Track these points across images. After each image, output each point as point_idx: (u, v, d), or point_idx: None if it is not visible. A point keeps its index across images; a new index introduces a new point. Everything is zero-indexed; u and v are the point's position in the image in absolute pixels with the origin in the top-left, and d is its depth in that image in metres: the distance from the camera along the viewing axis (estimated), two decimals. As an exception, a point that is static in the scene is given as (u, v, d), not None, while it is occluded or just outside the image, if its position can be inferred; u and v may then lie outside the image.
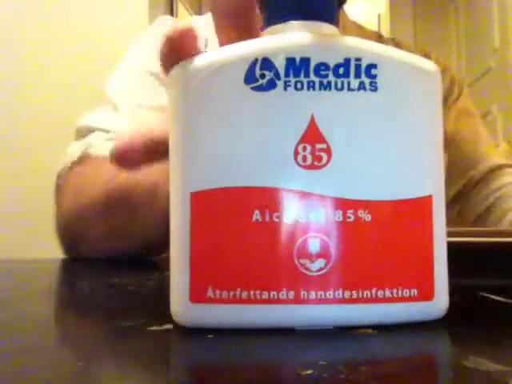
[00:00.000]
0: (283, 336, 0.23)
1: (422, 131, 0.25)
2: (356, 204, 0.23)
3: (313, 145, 0.23)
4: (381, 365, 0.19)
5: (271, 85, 0.24)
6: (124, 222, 0.56)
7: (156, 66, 0.65)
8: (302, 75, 0.24)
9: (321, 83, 0.24)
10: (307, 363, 0.19)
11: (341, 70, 0.24)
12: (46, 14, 1.73)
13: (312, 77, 0.24)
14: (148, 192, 0.51)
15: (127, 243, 0.57)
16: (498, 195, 0.64)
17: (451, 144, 0.68)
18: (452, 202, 0.68)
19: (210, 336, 0.23)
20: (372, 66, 0.24)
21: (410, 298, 0.23)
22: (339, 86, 0.24)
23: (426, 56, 0.73)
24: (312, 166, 0.23)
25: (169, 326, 0.25)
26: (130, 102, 0.66)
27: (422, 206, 0.24)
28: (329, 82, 0.24)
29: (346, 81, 0.24)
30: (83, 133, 0.67)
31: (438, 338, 0.23)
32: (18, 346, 0.22)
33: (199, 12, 3.11)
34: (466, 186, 0.67)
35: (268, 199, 0.23)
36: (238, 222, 0.24)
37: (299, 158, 0.23)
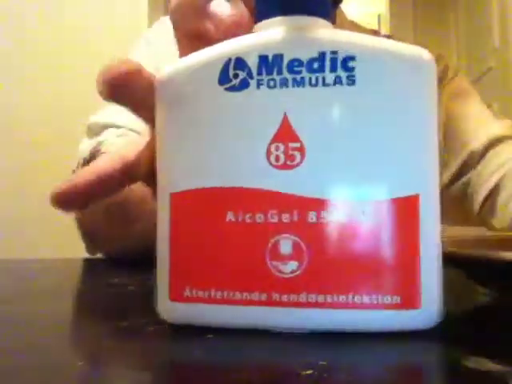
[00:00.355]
0: (283, 336, 0.23)
1: (407, 127, 0.23)
2: (330, 205, 0.22)
3: (286, 144, 0.23)
4: (380, 365, 0.19)
5: (244, 84, 0.23)
6: (122, 224, 0.56)
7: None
8: (275, 73, 0.23)
9: (294, 80, 0.23)
10: (307, 363, 0.19)
11: (315, 65, 0.23)
12: (46, 13, 1.73)
13: (285, 74, 0.23)
14: (140, 194, 0.51)
15: (131, 243, 0.57)
16: (507, 169, 0.62)
17: (445, 124, 0.68)
18: (450, 182, 0.66)
19: (209, 336, 0.23)
20: (349, 58, 0.22)
21: (392, 306, 0.22)
22: (313, 81, 0.23)
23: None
24: (285, 166, 0.23)
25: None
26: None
27: (405, 206, 0.22)
28: (302, 79, 0.23)
29: (320, 76, 0.23)
30: (95, 130, 0.66)
31: (438, 338, 0.23)
32: (18, 346, 0.22)
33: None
34: (467, 162, 0.65)
35: (240, 200, 0.23)
36: (213, 222, 0.23)
37: (272, 157, 0.23)
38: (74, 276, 0.52)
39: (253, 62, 0.23)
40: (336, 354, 0.21)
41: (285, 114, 0.23)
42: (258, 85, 0.23)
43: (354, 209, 0.22)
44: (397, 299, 0.22)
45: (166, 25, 0.76)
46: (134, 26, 1.75)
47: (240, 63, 0.23)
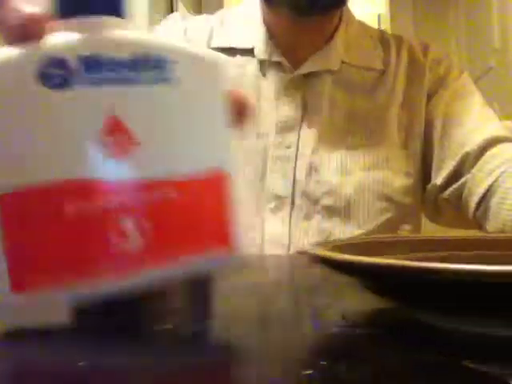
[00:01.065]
0: (283, 336, 0.23)
1: (209, 115, 0.28)
2: (160, 184, 0.26)
3: (114, 136, 0.25)
4: (380, 365, 0.20)
5: (64, 83, 0.24)
6: None
7: None
8: (95, 72, 0.25)
9: (115, 78, 0.25)
10: (307, 363, 0.19)
11: (133, 65, 0.25)
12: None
13: (105, 73, 0.25)
14: None
15: None
16: (499, 172, 0.61)
17: (444, 124, 0.67)
18: (447, 183, 0.66)
19: (210, 336, 0.23)
20: (162, 59, 0.26)
21: (212, 255, 0.27)
22: (133, 79, 0.25)
23: (426, 47, 0.73)
24: (115, 155, 0.25)
25: (169, 326, 0.25)
26: None
27: (215, 179, 0.28)
28: (123, 77, 0.25)
29: (138, 74, 0.25)
30: None
31: (437, 339, 0.23)
32: (17, 346, 0.22)
33: (200, 12, 3.11)
34: (461, 164, 0.65)
35: (77, 190, 0.25)
36: (49, 215, 0.24)
37: (101, 148, 0.25)
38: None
39: (72, 61, 0.24)
40: (336, 353, 0.21)
41: (109, 109, 0.25)
42: (79, 83, 0.25)
43: (180, 185, 0.26)
44: (214, 251, 0.28)
45: (172, 21, 0.76)
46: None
47: (59, 62, 0.24)
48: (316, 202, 0.64)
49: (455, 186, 0.65)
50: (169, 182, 0.26)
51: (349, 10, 0.72)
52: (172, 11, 2.43)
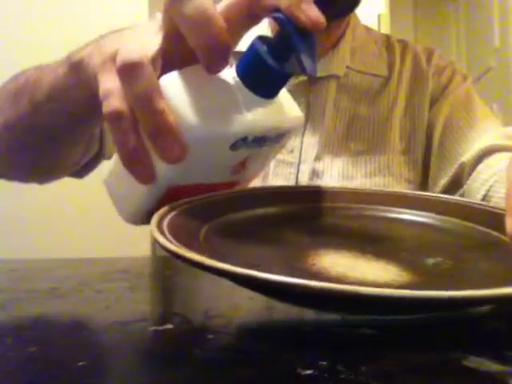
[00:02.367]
0: (283, 336, 0.23)
1: None
2: None
3: None
4: (380, 365, 0.19)
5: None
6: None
7: None
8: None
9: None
10: (307, 363, 0.19)
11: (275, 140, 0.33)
12: (46, 13, 1.73)
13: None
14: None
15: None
16: (492, 183, 0.61)
17: (445, 134, 0.67)
18: (445, 193, 0.66)
19: (210, 336, 0.23)
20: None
21: None
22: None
23: (430, 53, 0.73)
24: None
25: (169, 326, 0.25)
26: None
27: None
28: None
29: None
30: None
31: (437, 339, 0.23)
32: (17, 346, 0.22)
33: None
34: (458, 174, 0.65)
35: None
36: None
37: None
38: (74, 276, 0.52)
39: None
40: (336, 353, 0.21)
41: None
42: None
43: None
44: None
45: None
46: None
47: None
48: None
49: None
50: None
51: (355, 15, 0.72)
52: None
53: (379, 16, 3.68)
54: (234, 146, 0.30)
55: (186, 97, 0.30)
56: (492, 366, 0.18)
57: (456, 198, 0.43)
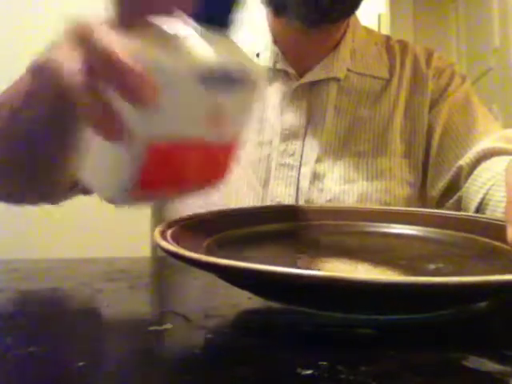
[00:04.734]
0: (283, 336, 0.23)
1: None
2: None
3: None
4: (380, 365, 0.19)
5: None
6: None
7: None
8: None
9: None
10: (307, 363, 0.19)
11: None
12: (46, 13, 1.73)
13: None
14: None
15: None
16: (489, 186, 0.61)
17: (444, 136, 0.68)
18: (444, 196, 0.66)
19: (209, 336, 0.23)
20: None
21: None
22: None
23: (430, 55, 0.73)
24: None
25: (169, 326, 0.25)
26: None
27: None
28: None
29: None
30: None
31: (437, 339, 0.23)
32: (18, 346, 0.22)
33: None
34: (455, 177, 0.65)
35: None
36: None
37: None
38: (74, 276, 0.52)
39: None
40: (336, 353, 0.21)
41: None
42: None
43: None
44: None
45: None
46: (134, 26, 1.75)
47: None
48: None
49: (452, 200, 0.65)
50: None
51: (355, 16, 0.72)
52: (172, 11, 2.43)
53: (379, 16, 3.68)
54: (203, 83, 0.31)
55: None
56: (492, 366, 0.18)
57: (453, 212, 0.44)
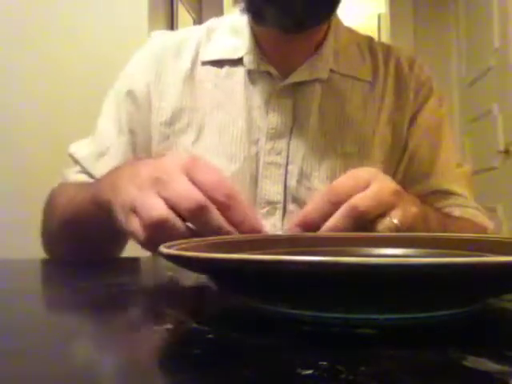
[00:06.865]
0: (283, 336, 0.23)
1: None
2: None
3: None
4: (381, 365, 0.20)
5: None
6: (79, 239, 0.63)
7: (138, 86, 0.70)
8: None
9: None
10: (307, 363, 0.19)
11: None
12: (46, 14, 1.73)
13: None
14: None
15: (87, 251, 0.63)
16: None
17: (411, 159, 0.71)
18: None
19: (210, 336, 0.23)
20: None
21: None
22: None
23: (411, 62, 0.74)
24: None
25: (169, 326, 0.25)
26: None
27: None
28: None
29: None
30: (73, 160, 0.73)
31: (437, 339, 0.23)
32: (18, 346, 0.22)
33: (200, 13, 3.11)
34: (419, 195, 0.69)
35: None
36: None
37: None
38: (74, 276, 0.52)
39: None
40: (336, 353, 0.21)
41: None
42: None
43: None
44: None
45: (160, 39, 0.76)
46: (134, 27, 1.75)
47: None
48: None
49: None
50: None
51: (336, 16, 0.72)
52: (172, 12, 2.43)
53: (379, 16, 3.68)
54: None
55: None
56: (492, 366, 0.18)
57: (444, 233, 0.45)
